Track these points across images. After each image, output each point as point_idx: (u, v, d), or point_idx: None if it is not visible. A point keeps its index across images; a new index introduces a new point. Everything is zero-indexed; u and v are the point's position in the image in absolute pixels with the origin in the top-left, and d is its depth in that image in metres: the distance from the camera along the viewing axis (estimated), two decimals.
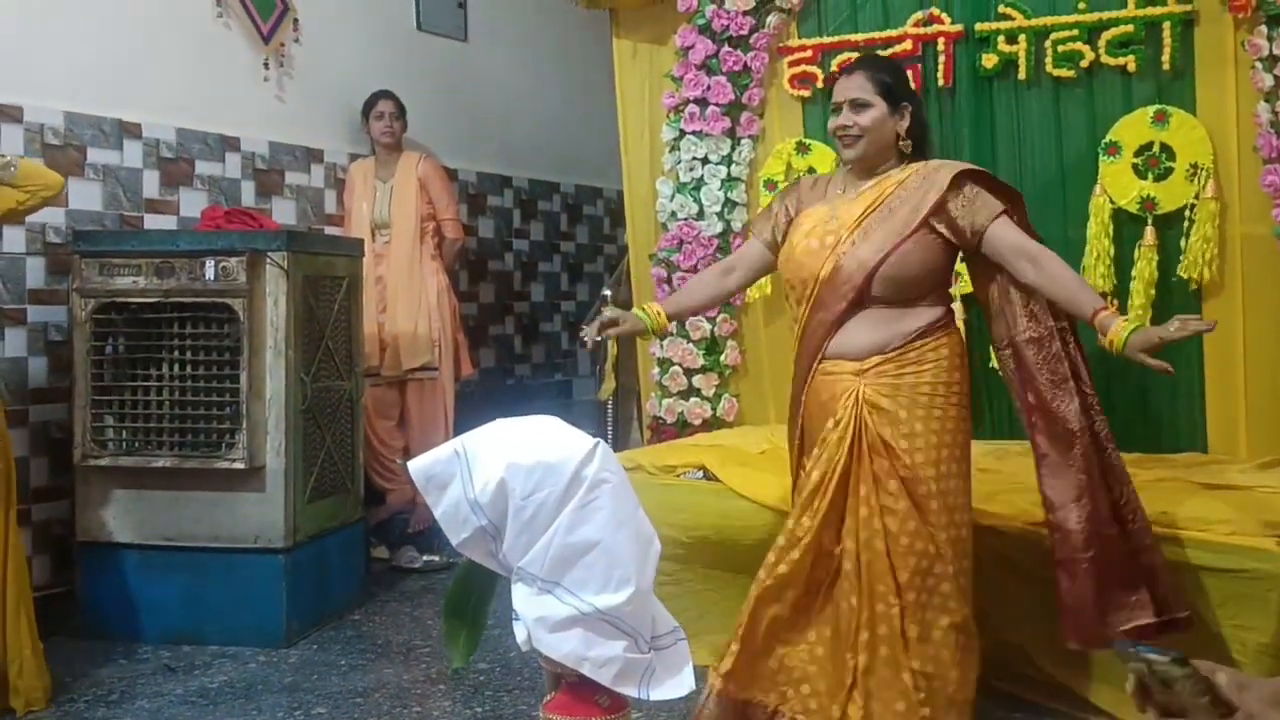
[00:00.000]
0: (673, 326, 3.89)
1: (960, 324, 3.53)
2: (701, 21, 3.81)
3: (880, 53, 3.65)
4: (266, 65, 4.54)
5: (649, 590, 1.47)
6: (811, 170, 3.78)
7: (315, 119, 4.78)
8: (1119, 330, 2.29)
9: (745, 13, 3.76)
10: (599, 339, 2.64)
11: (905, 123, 2.52)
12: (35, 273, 3.80)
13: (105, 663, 3.33)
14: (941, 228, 2.45)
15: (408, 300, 4.59)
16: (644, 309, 2.74)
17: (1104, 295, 3.43)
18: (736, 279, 2.79)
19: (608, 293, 4.69)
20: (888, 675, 2.36)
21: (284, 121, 4.65)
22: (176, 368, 3.52)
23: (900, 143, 2.53)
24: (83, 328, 3.51)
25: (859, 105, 2.49)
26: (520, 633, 1.45)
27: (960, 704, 2.42)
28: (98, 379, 3.52)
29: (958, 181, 2.44)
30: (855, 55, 3.69)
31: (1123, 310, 3.39)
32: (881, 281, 2.45)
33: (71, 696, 3.06)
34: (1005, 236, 2.42)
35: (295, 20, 4.63)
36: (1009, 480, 3.12)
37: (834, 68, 2.58)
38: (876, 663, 2.36)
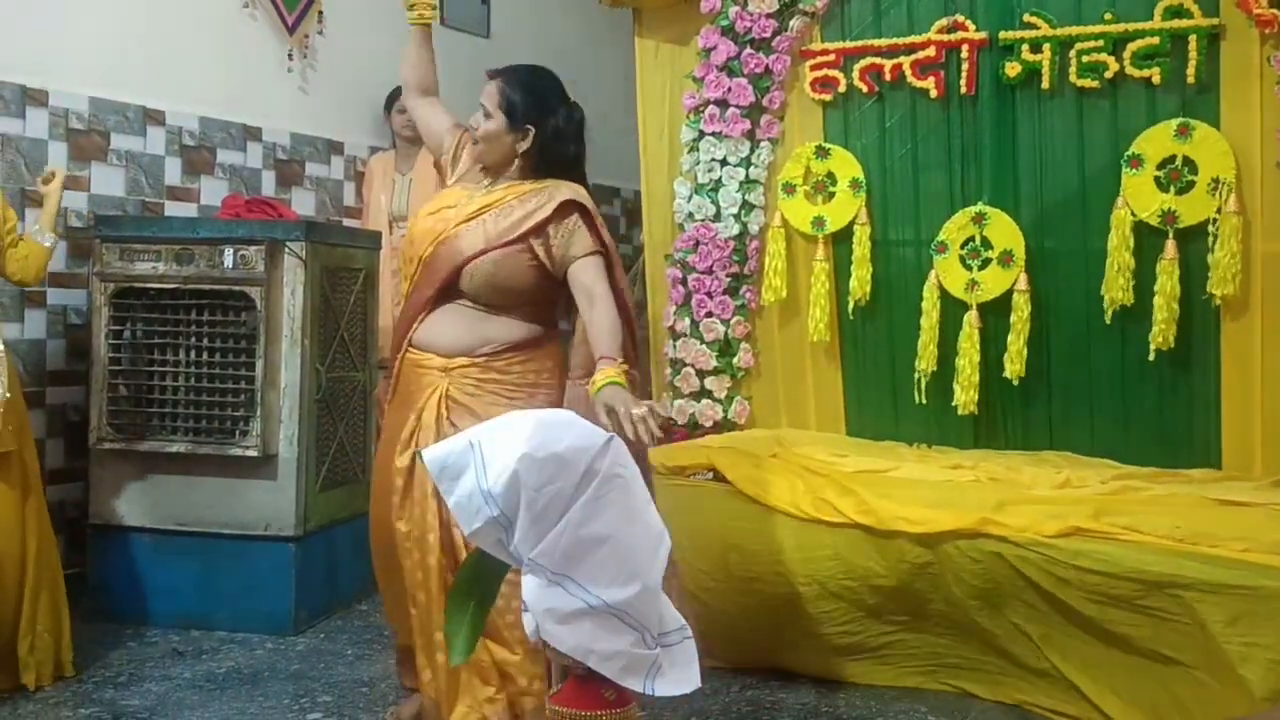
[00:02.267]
0: (686, 326, 3.90)
1: (976, 331, 3.56)
2: (724, 23, 3.81)
3: (902, 59, 3.66)
4: (290, 56, 4.56)
5: (657, 586, 1.47)
6: (831, 175, 3.77)
7: (337, 111, 4.80)
8: (602, 378, 2.24)
9: (768, 15, 3.76)
10: None
11: (525, 144, 2.50)
12: (56, 256, 3.80)
13: (114, 645, 3.35)
14: (538, 248, 2.45)
15: None
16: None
17: (1124, 308, 3.42)
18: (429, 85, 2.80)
19: None
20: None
21: (306, 113, 4.67)
22: (193, 354, 3.54)
23: (517, 159, 2.52)
24: (101, 312, 3.53)
25: (484, 113, 2.51)
26: (529, 624, 1.45)
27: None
28: (115, 363, 3.54)
29: (565, 208, 2.45)
30: (877, 60, 3.70)
31: (1148, 325, 3.37)
32: (469, 278, 2.46)
33: (80, 678, 3.08)
34: (582, 275, 2.43)
35: (320, 13, 4.66)
36: (1020, 491, 3.11)
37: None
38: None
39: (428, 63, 2.80)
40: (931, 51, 3.63)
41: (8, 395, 2.87)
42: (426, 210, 2.58)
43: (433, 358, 2.50)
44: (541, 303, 2.54)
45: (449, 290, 2.49)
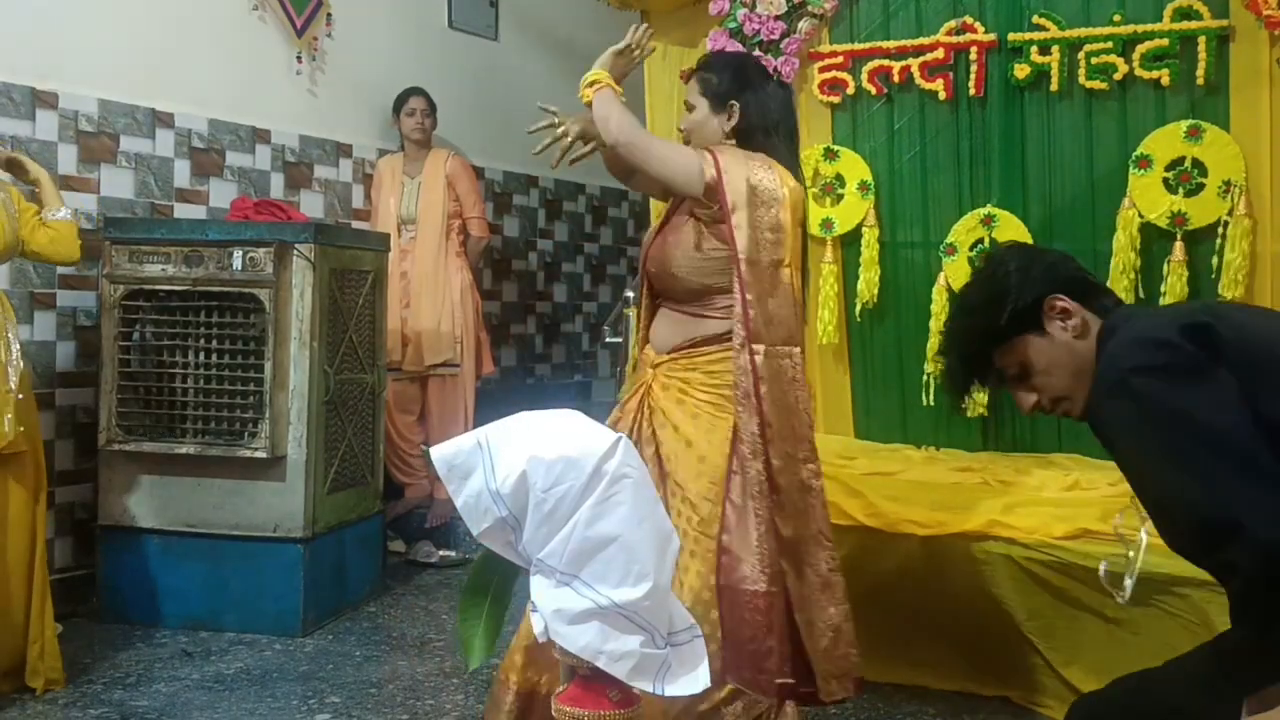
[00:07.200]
0: None
1: None
2: (732, 25, 3.80)
3: (911, 61, 3.66)
4: (299, 59, 4.58)
5: (667, 586, 1.47)
6: (839, 177, 3.77)
7: (345, 114, 4.81)
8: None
9: (776, 17, 3.76)
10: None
11: (731, 121, 2.49)
12: None
13: (123, 646, 3.36)
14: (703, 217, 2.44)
15: (431, 296, 4.61)
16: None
17: None
18: None
19: (630, 294, 4.69)
20: None
21: (314, 115, 4.68)
22: (202, 356, 3.55)
23: (730, 140, 2.52)
24: (111, 314, 3.55)
25: (687, 108, 2.57)
26: (538, 624, 1.45)
27: None
28: (124, 365, 3.55)
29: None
30: (885, 63, 3.70)
31: None
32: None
33: (89, 679, 3.09)
34: None
35: (329, 15, 4.67)
36: (1028, 493, 3.11)
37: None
38: None
39: None
40: (940, 53, 3.63)
41: (20, 396, 2.88)
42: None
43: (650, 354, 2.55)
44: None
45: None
